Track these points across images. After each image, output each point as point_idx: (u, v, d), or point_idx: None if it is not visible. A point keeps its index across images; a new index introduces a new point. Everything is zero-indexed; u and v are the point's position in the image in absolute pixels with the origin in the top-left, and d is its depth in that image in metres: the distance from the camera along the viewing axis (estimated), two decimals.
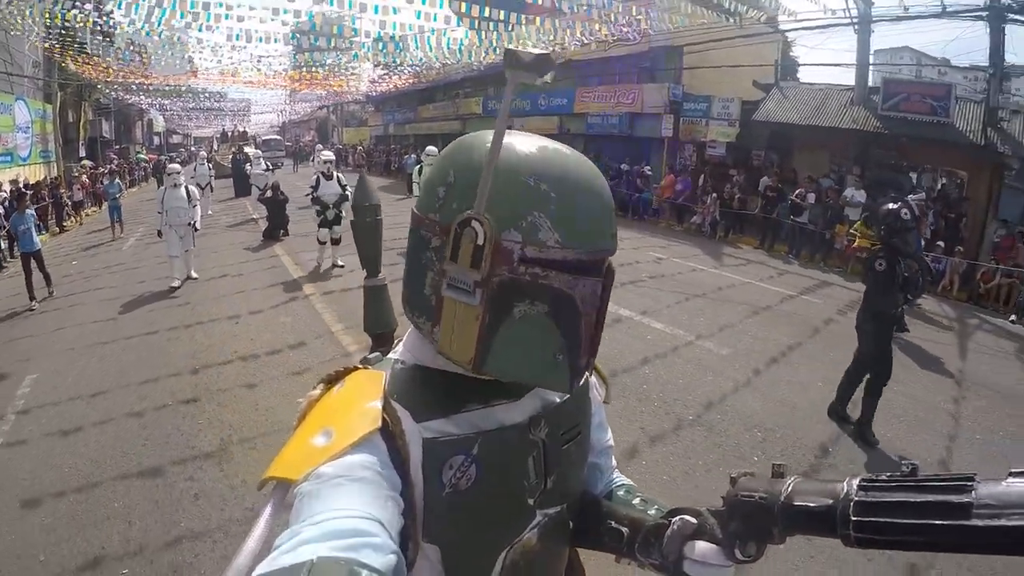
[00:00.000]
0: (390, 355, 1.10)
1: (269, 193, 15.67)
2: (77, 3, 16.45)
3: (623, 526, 1.12)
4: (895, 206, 5.49)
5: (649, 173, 19.17)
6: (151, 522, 4.20)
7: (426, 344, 1.00)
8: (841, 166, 16.07)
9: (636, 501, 1.20)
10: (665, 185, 18.50)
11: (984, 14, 13.56)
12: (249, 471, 4.73)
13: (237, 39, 18.02)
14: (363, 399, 0.96)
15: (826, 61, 36.10)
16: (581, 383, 1.11)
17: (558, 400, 1.09)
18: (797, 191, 14.82)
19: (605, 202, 0.96)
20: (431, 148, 14.24)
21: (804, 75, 22.57)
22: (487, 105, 28.53)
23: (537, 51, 0.86)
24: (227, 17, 15.82)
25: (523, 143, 0.95)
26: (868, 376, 5.47)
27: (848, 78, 16.61)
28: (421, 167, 13.33)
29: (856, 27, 15.74)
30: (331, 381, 1.03)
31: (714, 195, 15.91)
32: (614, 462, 1.35)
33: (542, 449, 1.06)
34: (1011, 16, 13.49)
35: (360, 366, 1.07)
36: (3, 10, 16.85)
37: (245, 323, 8.65)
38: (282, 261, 12.82)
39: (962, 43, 25.02)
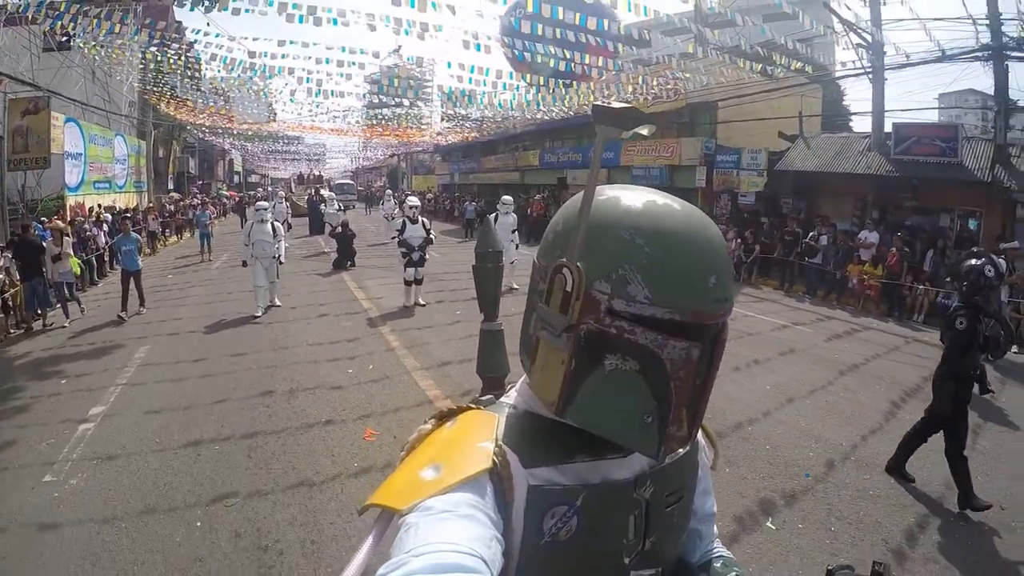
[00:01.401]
0: (502, 399, 1.13)
1: (340, 229, 18.33)
2: (168, 45, 18.69)
3: None
4: (978, 262, 5.26)
5: None
6: (237, 424, 6.25)
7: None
8: (862, 210, 17.16)
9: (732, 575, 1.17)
10: None
11: (983, 54, 14.62)
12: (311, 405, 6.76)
13: (318, 95, 20.39)
14: (475, 439, 0.97)
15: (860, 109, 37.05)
16: (685, 449, 1.09)
17: (666, 461, 1.06)
18: (811, 234, 16.11)
19: (710, 264, 0.93)
20: (507, 198, 15.27)
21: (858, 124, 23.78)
22: (544, 158, 30.65)
23: (623, 105, 0.91)
24: (308, 80, 18.20)
25: (631, 196, 0.97)
26: (947, 445, 5.21)
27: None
28: (496, 215, 14.17)
29: (870, 77, 17.05)
30: (443, 417, 1.06)
31: (738, 240, 17.36)
32: (715, 530, 1.33)
33: (644, 509, 1.05)
34: (1012, 55, 14.49)
35: (473, 406, 1.09)
36: (101, 53, 19.54)
37: (315, 324, 10.88)
38: (348, 286, 15.08)
39: None
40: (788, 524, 4.74)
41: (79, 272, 12.52)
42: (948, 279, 12.23)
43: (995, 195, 14.30)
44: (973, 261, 5.34)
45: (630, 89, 20.36)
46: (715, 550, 1.29)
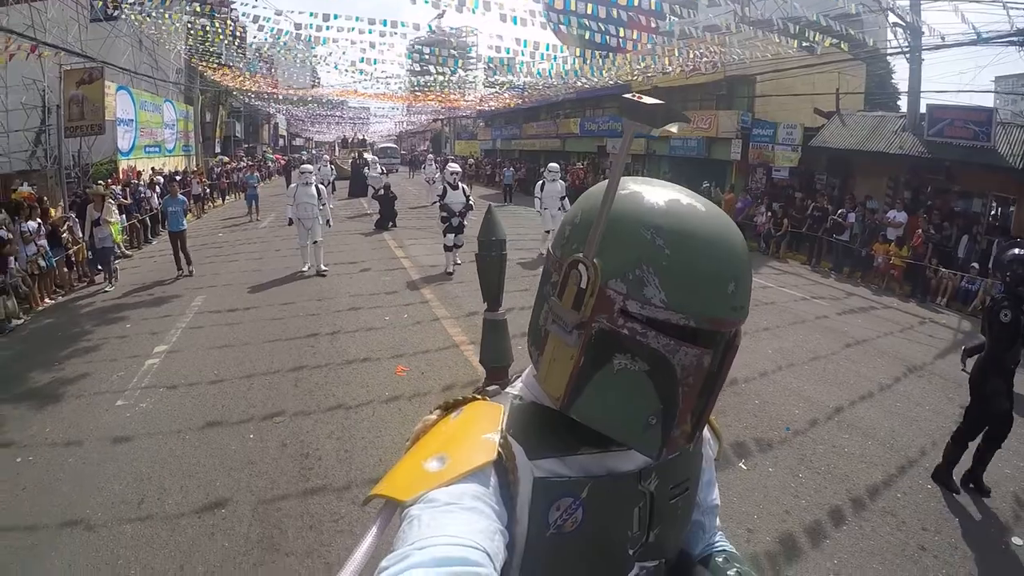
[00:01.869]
0: (508, 389, 1.14)
1: (382, 192, 19.32)
2: (215, 13, 19.51)
3: None
4: (1022, 252, 5.16)
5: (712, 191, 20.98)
6: (285, 360, 7.16)
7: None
8: (894, 190, 17.36)
9: (731, 573, 1.18)
10: (726, 202, 20.01)
11: (1019, 38, 14.39)
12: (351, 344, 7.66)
13: (362, 62, 21.13)
14: (480, 430, 0.98)
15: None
16: (692, 445, 1.08)
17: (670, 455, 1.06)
18: (839, 211, 16.43)
19: (730, 270, 0.93)
20: (553, 165, 15.42)
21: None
22: (584, 126, 31.15)
23: (653, 101, 0.89)
24: (352, 44, 18.95)
25: (654, 194, 0.96)
26: (987, 432, 5.18)
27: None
28: (543, 183, 14.68)
29: (907, 57, 17.22)
30: (449, 408, 1.07)
31: (769, 213, 17.71)
32: (718, 522, 1.35)
33: (648, 501, 1.06)
34: None
35: (478, 396, 1.09)
36: (149, 22, 20.22)
37: (356, 279, 11.82)
38: (388, 245, 16.10)
39: None
40: (759, 467, 5.33)
41: (119, 239, 12.77)
42: (991, 269, 12.04)
43: None
44: (1016, 251, 5.23)
45: (667, 61, 20.73)
46: (717, 543, 1.31)
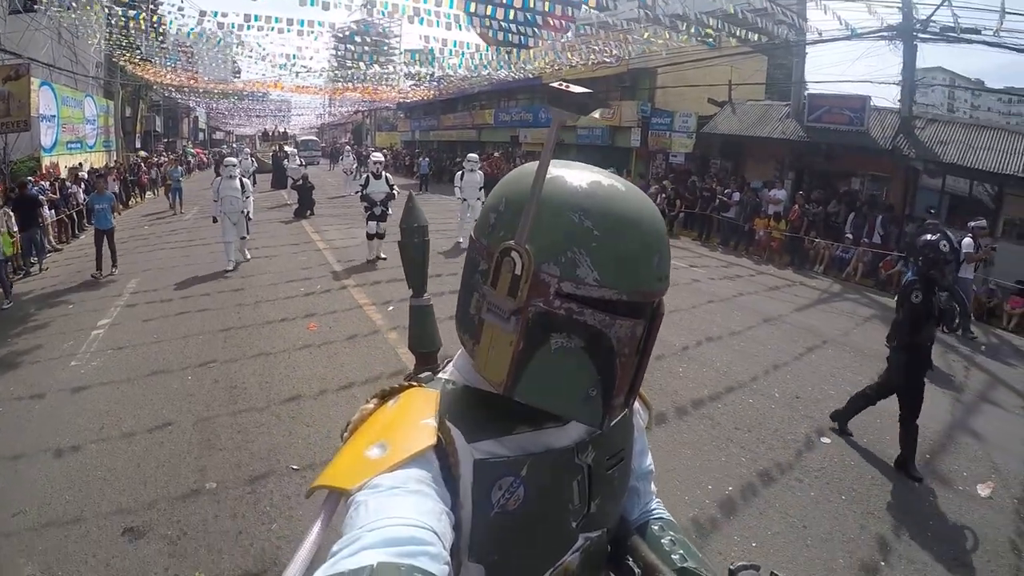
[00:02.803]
0: (440, 375, 1.17)
1: (300, 182, 20.68)
2: (135, 5, 19.91)
3: (637, 566, 1.21)
4: (933, 237, 5.51)
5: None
6: (215, 323, 8.51)
7: (473, 363, 1.07)
8: (780, 172, 19.37)
9: (665, 541, 1.24)
10: None
11: (891, 34, 16.51)
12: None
13: (282, 67, 21.93)
14: (418, 416, 1.01)
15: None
16: (621, 415, 1.13)
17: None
18: (726, 191, 18.40)
19: (654, 244, 0.98)
20: (472, 155, 15.80)
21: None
22: (498, 116, 33.00)
23: (580, 89, 0.91)
24: (272, 29, 19.83)
25: (577, 177, 0.99)
26: (901, 412, 5.57)
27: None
28: (463, 173, 15.04)
29: (793, 50, 19.24)
30: (385, 396, 1.11)
31: (663, 195, 19.38)
32: (653, 487, 1.41)
33: (587, 473, 1.11)
34: (925, 36, 16.24)
35: (413, 384, 1.13)
36: (69, 15, 20.39)
37: (275, 259, 13.06)
38: (306, 230, 17.51)
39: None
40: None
41: (8, 251, 11.65)
42: (903, 253, 13.03)
43: (899, 163, 16.27)
44: (928, 236, 5.59)
45: (569, 55, 22.42)
46: (654, 510, 1.37)
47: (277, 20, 17.55)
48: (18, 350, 8.15)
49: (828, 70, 73.39)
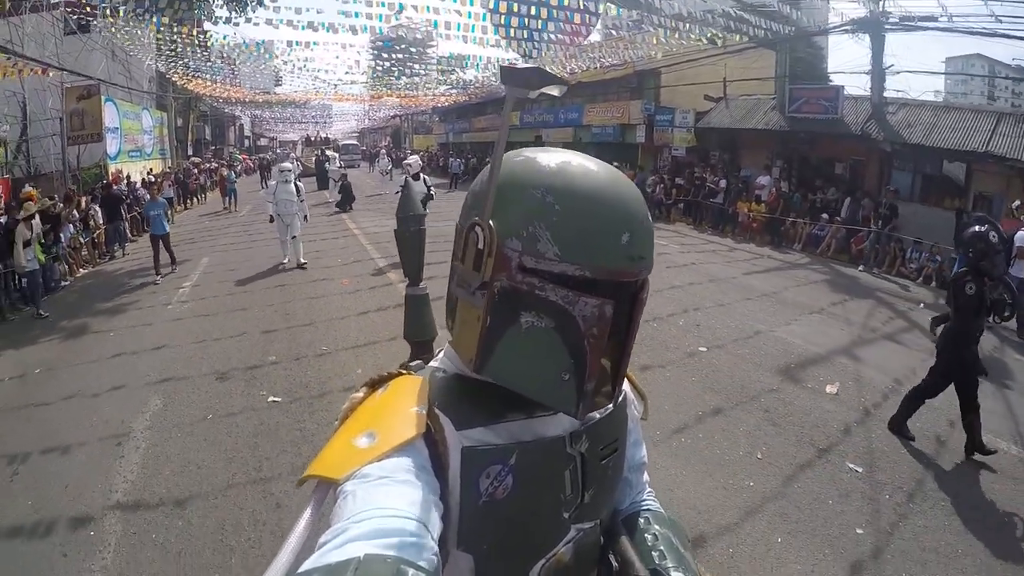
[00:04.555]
0: (431, 363, 1.20)
1: (341, 181, 24.40)
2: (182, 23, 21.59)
3: (615, 561, 1.22)
4: (982, 228, 5.58)
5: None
6: (273, 287, 11.54)
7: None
8: (770, 160, 21.35)
9: (648, 536, 1.25)
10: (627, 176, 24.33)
11: (853, 28, 18.64)
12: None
13: (326, 87, 24.57)
14: (407, 404, 1.03)
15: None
16: (616, 403, 1.19)
17: (598, 416, 1.16)
18: (713, 179, 20.87)
19: (622, 222, 0.99)
20: (507, 153, 19.04)
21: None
22: (523, 118, 35.88)
23: (530, 66, 0.96)
24: (314, 45, 22.91)
25: (547, 157, 1.04)
26: (960, 400, 5.65)
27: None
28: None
29: (776, 47, 21.39)
30: (375, 385, 1.13)
31: (660, 186, 21.98)
32: (646, 477, 1.44)
33: (579, 463, 1.13)
34: (887, 27, 18.20)
35: (403, 372, 1.14)
36: (122, 35, 22.06)
37: (319, 242, 16.15)
38: (344, 221, 20.95)
39: None
40: None
41: (42, 260, 11.66)
42: (955, 245, 12.75)
43: (873, 147, 17.76)
44: (977, 228, 5.62)
45: (573, 63, 25.15)
46: (644, 501, 1.40)
47: (315, 44, 20.42)
48: (122, 303, 11.34)
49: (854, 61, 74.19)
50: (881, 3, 18.06)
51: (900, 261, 15.29)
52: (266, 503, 4.87)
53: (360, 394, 1.11)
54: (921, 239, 15.19)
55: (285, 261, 13.48)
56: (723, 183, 20.65)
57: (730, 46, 21.59)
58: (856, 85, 19.99)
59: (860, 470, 5.51)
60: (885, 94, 18.69)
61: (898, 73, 18.57)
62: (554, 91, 1.00)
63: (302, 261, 13.51)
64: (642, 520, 1.30)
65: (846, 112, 18.93)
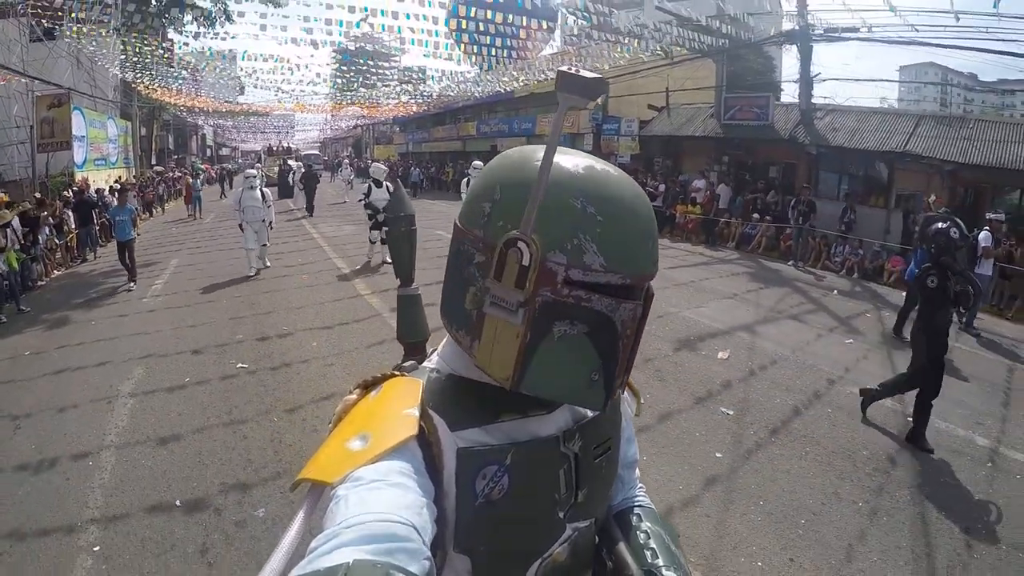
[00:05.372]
0: (425, 364, 1.20)
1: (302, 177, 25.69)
2: (146, 33, 22.87)
3: (609, 559, 1.24)
4: (944, 225, 5.84)
5: None
6: (240, 283, 12.64)
7: (462, 355, 1.10)
8: (709, 165, 22.82)
9: (640, 534, 1.26)
10: None
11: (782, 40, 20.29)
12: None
13: (286, 99, 25.43)
14: (400, 406, 1.04)
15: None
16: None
17: (591, 414, 1.18)
18: (652, 183, 22.06)
19: (649, 227, 1.03)
20: (477, 162, 17.75)
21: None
22: (480, 128, 37.57)
23: (591, 75, 0.92)
24: (276, 60, 23.84)
25: (571, 162, 1.02)
26: (920, 389, 5.88)
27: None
28: (468, 179, 16.42)
29: (715, 59, 22.72)
30: (368, 386, 1.13)
31: None
32: (637, 473, 1.46)
33: (573, 462, 1.14)
34: (816, 37, 19.54)
35: (397, 373, 1.15)
36: (87, 43, 22.99)
37: (280, 244, 17.16)
38: (305, 227, 21.93)
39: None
40: None
41: (14, 265, 12.20)
42: (917, 241, 12.70)
43: (801, 150, 19.13)
44: (939, 224, 5.89)
45: (523, 76, 26.40)
46: (636, 498, 1.42)
47: (277, 59, 21.28)
48: (99, 299, 12.30)
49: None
50: (807, 17, 19.51)
51: (825, 255, 16.63)
52: (235, 435, 6.03)
53: (353, 396, 1.12)
54: (845, 234, 16.59)
55: (251, 273, 13.43)
56: (662, 187, 21.92)
57: (675, 58, 23.07)
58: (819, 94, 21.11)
59: (731, 413, 6.73)
60: (828, 101, 20.28)
61: (824, 81, 19.70)
62: (599, 99, 1.34)
63: (266, 264, 14.02)
64: (634, 517, 1.31)
65: (777, 118, 20.34)
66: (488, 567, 1.07)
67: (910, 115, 18.59)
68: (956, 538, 4.67)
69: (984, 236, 10.96)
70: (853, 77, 57.95)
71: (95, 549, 4.38)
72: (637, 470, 1.46)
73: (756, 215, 19.01)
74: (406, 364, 1.27)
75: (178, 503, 4.92)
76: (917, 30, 17.47)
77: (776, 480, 5.39)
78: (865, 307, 12.12)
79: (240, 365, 7.97)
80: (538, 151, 1.03)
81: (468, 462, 1.03)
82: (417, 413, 1.02)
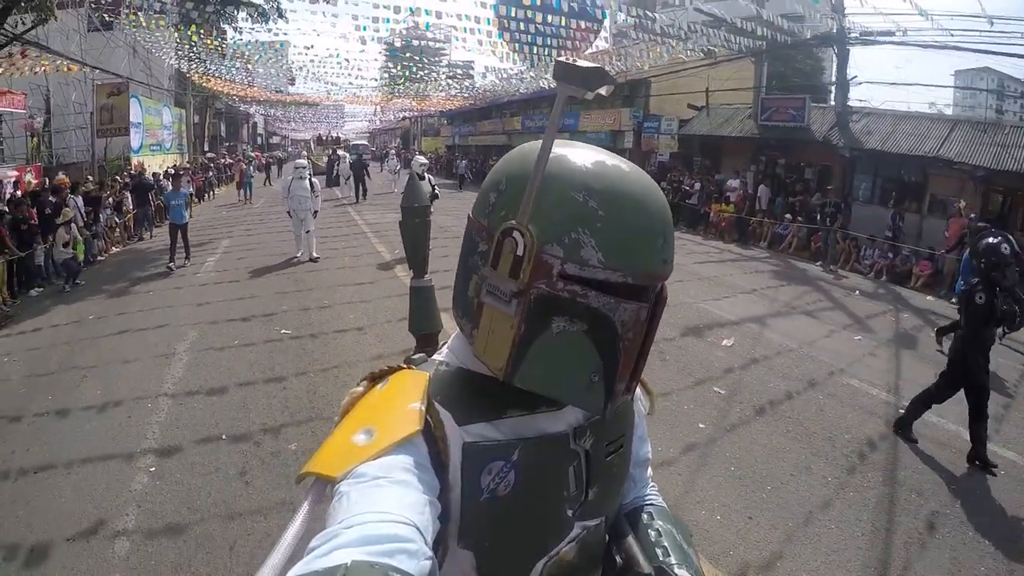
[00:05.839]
0: (435, 356, 1.19)
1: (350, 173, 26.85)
2: (202, 27, 23.71)
3: (620, 556, 1.22)
4: (995, 240, 5.75)
5: None
6: (284, 259, 13.52)
7: (470, 347, 1.07)
8: (747, 164, 23.06)
9: (652, 532, 1.24)
10: None
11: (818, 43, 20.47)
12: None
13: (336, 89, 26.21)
14: (406, 399, 1.02)
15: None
16: (625, 399, 1.14)
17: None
18: (688, 181, 22.52)
19: (659, 226, 0.99)
20: None
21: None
22: (525, 123, 38.26)
23: (588, 64, 0.91)
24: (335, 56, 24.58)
25: (579, 155, 1.01)
26: (970, 407, 5.76)
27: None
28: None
29: (752, 59, 23.05)
30: (375, 379, 1.12)
31: None
32: (650, 472, 1.44)
33: (583, 460, 1.12)
34: (851, 41, 19.62)
35: (404, 366, 1.14)
36: (143, 33, 23.83)
37: (327, 228, 18.04)
38: (350, 214, 23.03)
39: None
40: None
41: (80, 256, 13.37)
42: (969, 255, 12.62)
43: (836, 152, 19.17)
44: (990, 240, 5.80)
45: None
46: (648, 497, 1.40)
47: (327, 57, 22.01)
48: (155, 273, 13.26)
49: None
50: (845, 20, 19.61)
51: (855, 257, 16.84)
52: (276, 387, 6.91)
53: (360, 389, 1.11)
54: (875, 237, 16.75)
55: (298, 255, 13.87)
56: (697, 186, 22.33)
57: (716, 59, 23.42)
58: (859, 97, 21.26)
59: (723, 392, 7.25)
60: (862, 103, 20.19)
61: (859, 84, 19.44)
62: (603, 91, 0.96)
63: (315, 255, 13.97)
64: (645, 515, 1.30)
65: (814, 120, 20.46)
66: (492, 564, 1.07)
67: (945, 119, 18.64)
68: (920, 519, 4.86)
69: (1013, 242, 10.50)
70: (890, 81, 56.95)
71: (151, 470, 5.21)
72: (650, 469, 1.45)
73: (789, 216, 19.26)
74: (415, 356, 1.24)
75: (223, 436, 5.76)
76: (953, 35, 17.58)
77: (752, 451, 5.77)
78: (884, 308, 12.27)
79: (284, 331, 8.85)
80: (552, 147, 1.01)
81: (474, 457, 1.02)
82: (423, 407, 1.01)
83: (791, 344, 9.13)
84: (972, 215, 14.43)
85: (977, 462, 5.70)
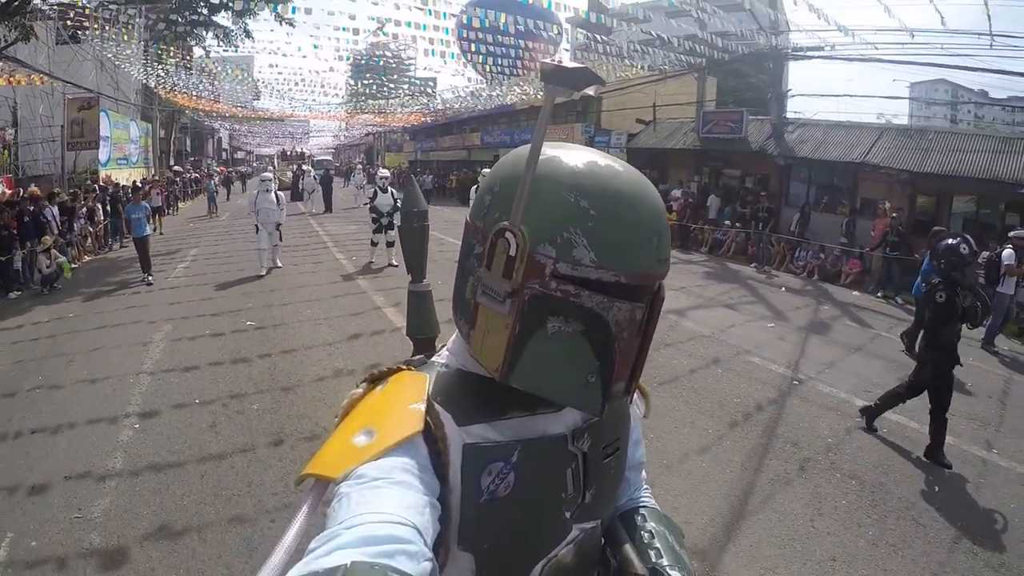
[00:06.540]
0: (435, 358, 1.19)
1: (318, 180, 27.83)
2: (171, 43, 24.17)
3: (614, 558, 1.24)
4: (954, 241, 5.92)
5: None
6: (249, 268, 14.49)
7: (469, 348, 1.07)
8: (690, 175, 24.22)
9: (645, 534, 1.26)
10: None
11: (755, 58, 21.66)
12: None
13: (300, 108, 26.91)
14: (406, 400, 1.02)
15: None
16: (622, 401, 1.15)
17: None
18: None
19: (653, 225, 0.98)
20: (486, 170, 18.79)
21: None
22: (484, 139, 39.61)
23: (575, 65, 0.91)
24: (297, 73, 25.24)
25: (572, 156, 1.01)
26: (932, 405, 5.86)
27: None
28: (477, 187, 16.91)
29: (695, 75, 24.43)
30: (375, 380, 1.12)
31: None
32: (644, 475, 1.46)
33: (581, 462, 1.12)
34: (785, 56, 20.63)
35: (404, 367, 1.14)
36: (112, 47, 23.43)
37: (289, 239, 18.96)
38: (311, 224, 24.07)
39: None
40: None
41: (68, 275, 13.74)
42: (928, 257, 11.67)
43: (772, 161, 20.00)
44: (949, 240, 5.94)
45: (529, 87, 28.21)
46: (641, 499, 1.42)
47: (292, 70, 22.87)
48: (128, 279, 14.05)
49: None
50: (780, 37, 20.81)
51: (789, 259, 17.90)
52: (243, 365, 7.96)
53: (359, 390, 1.11)
54: (809, 239, 17.76)
55: (263, 272, 13.77)
56: None
57: (663, 74, 24.62)
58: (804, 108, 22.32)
59: None
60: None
61: (793, 96, 20.49)
62: (591, 91, 0.92)
63: (278, 264, 14.44)
64: (638, 517, 1.32)
65: (751, 132, 21.53)
66: (491, 566, 1.06)
67: (874, 127, 19.62)
68: (792, 463, 5.49)
69: (1008, 254, 10.55)
70: (821, 93, 59.70)
71: (135, 427, 6.21)
72: (644, 472, 1.46)
73: (727, 222, 20.36)
74: (415, 359, 1.23)
75: (196, 401, 6.77)
76: (876, 48, 18.58)
77: (712, 414, 6.53)
78: (807, 302, 13.13)
79: (249, 323, 9.87)
80: (546, 148, 1.01)
81: (474, 458, 1.02)
82: (423, 408, 1.01)
83: (704, 331, 9.96)
84: (895, 215, 15.74)
85: (932, 462, 5.79)
